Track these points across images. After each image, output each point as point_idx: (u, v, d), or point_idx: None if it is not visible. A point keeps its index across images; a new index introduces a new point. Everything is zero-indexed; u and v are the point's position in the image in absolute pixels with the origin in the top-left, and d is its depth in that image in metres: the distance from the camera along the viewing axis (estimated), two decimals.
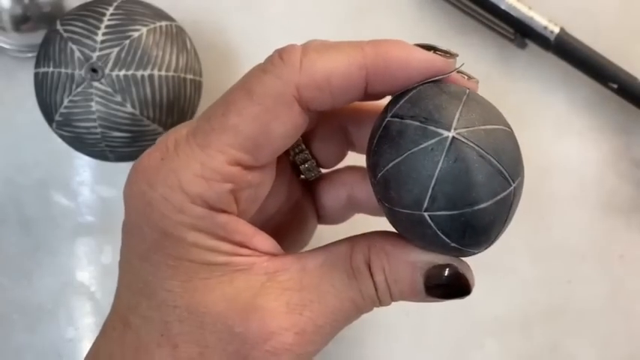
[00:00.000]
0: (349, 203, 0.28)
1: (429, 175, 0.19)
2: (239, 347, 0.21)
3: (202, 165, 0.20)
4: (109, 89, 0.29)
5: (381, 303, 0.22)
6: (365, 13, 0.36)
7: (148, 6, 0.31)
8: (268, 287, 0.21)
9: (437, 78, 0.21)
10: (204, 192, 0.20)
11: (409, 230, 0.21)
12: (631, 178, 0.36)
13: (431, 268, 0.21)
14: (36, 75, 0.30)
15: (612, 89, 0.34)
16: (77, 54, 0.29)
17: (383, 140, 0.21)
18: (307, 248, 0.29)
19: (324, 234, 0.29)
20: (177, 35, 0.31)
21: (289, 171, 0.27)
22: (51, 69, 0.29)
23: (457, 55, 0.22)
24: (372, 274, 0.22)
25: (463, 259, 0.22)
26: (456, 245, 0.20)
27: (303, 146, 0.26)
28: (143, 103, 0.29)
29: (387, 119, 0.21)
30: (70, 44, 0.29)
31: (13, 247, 0.36)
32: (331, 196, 0.28)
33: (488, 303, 0.35)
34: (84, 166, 0.36)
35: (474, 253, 0.21)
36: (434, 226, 0.20)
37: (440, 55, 0.21)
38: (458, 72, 0.22)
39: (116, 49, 0.29)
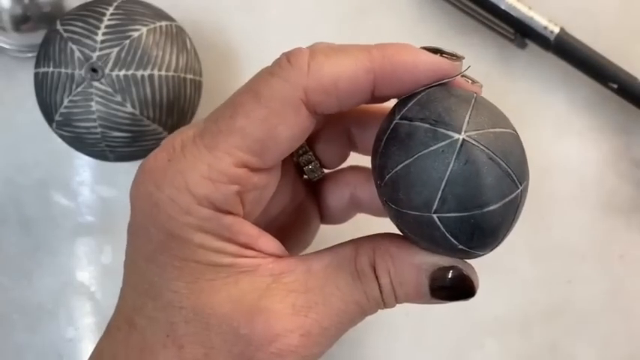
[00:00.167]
0: (352, 203, 0.28)
1: (440, 177, 0.19)
2: (244, 349, 0.21)
3: (209, 166, 0.20)
4: (109, 89, 0.29)
5: (385, 305, 0.22)
6: (365, 13, 0.36)
7: (148, 6, 0.31)
8: (274, 289, 0.21)
9: (443, 81, 0.21)
10: (210, 193, 0.20)
11: (416, 232, 0.21)
12: (631, 178, 0.36)
13: (436, 270, 0.21)
14: (36, 75, 0.30)
15: (612, 89, 0.34)
16: (77, 54, 0.29)
17: (391, 142, 0.21)
18: (308, 249, 0.29)
19: (327, 234, 0.29)
20: (177, 35, 0.31)
21: (293, 172, 0.27)
22: (51, 69, 0.29)
23: (463, 58, 0.22)
24: (377, 277, 0.22)
25: (468, 261, 0.22)
26: (463, 247, 0.20)
27: (307, 148, 0.26)
28: (143, 103, 0.29)
29: (395, 121, 0.21)
30: (70, 44, 0.29)
31: (13, 247, 0.36)
32: (334, 196, 0.28)
33: (488, 303, 0.35)
34: (84, 166, 0.36)
35: (480, 255, 0.21)
36: (442, 228, 0.20)
37: (446, 57, 0.21)
38: (462, 76, 0.22)
39: (116, 49, 0.29)
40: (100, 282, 0.36)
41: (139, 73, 0.29)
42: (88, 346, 0.36)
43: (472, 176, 0.19)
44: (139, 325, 0.21)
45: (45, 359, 0.35)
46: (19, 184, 0.36)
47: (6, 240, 0.36)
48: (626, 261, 0.35)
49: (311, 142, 0.26)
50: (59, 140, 0.31)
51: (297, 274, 0.22)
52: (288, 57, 0.21)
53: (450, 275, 0.21)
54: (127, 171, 0.34)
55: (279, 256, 0.22)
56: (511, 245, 0.36)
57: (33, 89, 0.31)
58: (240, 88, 0.22)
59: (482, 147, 0.19)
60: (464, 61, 0.22)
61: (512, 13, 0.34)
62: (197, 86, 0.32)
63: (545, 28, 0.34)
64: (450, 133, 0.19)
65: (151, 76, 0.29)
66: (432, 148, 0.19)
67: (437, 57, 0.21)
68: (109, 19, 0.29)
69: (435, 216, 0.20)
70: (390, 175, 0.20)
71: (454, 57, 0.21)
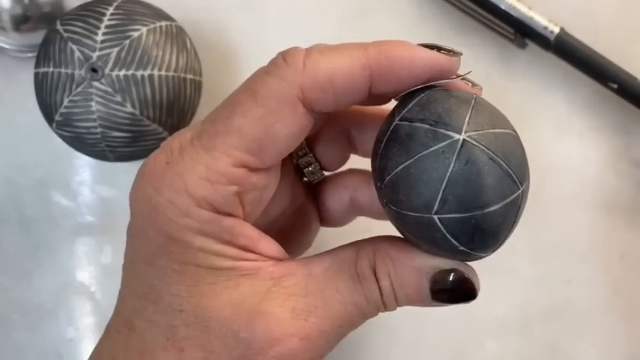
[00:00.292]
0: (352, 206, 0.28)
1: (440, 178, 0.19)
2: (244, 352, 0.21)
3: (207, 168, 0.20)
4: (109, 89, 0.29)
5: (386, 308, 0.22)
6: (365, 13, 0.36)
7: (148, 6, 0.31)
8: (274, 292, 0.21)
9: (443, 82, 0.21)
10: (209, 195, 0.20)
11: (417, 233, 0.21)
12: (631, 178, 0.36)
13: (436, 273, 0.21)
14: (36, 75, 0.30)
15: (612, 89, 0.34)
16: (77, 54, 0.29)
17: (391, 143, 0.21)
18: (308, 251, 0.29)
19: (326, 237, 0.29)
20: (177, 35, 0.31)
21: (293, 174, 0.27)
22: (51, 69, 0.29)
23: (461, 54, 0.22)
24: (377, 280, 0.22)
25: (468, 263, 0.22)
26: (464, 249, 0.20)
27: (307, 149, 0.26)
28: (143, 103, 0.29)
29: (395, 122, 0.21)
30: (70, 44, 0.29)
31: (13, 247, 0.36)
32: (334, 199, 0.28)
33: (488, 303, 0.35)
34: (84, 166, 0.36)
35: (481, 257, 0.21)
36: (443, 229, 0.20)
37: (444, 53, 0.21)
38: (462, 79, 0.22)
39: (116, 49, 0.29)
40: (100, 282, 0.36)
41: (139, 73, 0.29)
42: (88, 346, 0.36)
43: (473, 177, 0.19)
44: (138, 328, 0.21)
45: (45, 359, 0.35)
46: (19, 184, 0.36)
47: (6, 240, 0.36)
48: (626, 261, 0.35)
49: (311, 143, 0.26)
50: (59, 140, 0.31)
51: (297, 277, 0.22)
52: (283, 56, 0.21)
53: (450, 278, 0.21)
54: (126, 171, 0.34)
55: (279, 259, 0.22)
56: (511, 246, 0.36)
57: (33, 89, 0.31)
58: (236, 89, 0.22)
59: (482, 147, 0.19)
60: (464, 63, 0.22)
61: (512, 13, 0.34)
62: (197, 86, 0.32)
63: (545, 28, 0.34)
64: (450, 133, 0.19)
65: (150, 76, 0.29)
66: (432, 149, 0.19)
67: (434, 52, 0.21)
68: (109, 19, 0.29)
69: (435, 217, 0.19)
70: (390, 176, 0.20)
71: (451, 53, 0.21)
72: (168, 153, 0.21)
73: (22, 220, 0.36)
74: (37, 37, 0.32)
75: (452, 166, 0.19)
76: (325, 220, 0.28)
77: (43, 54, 0.30)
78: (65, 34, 0.29)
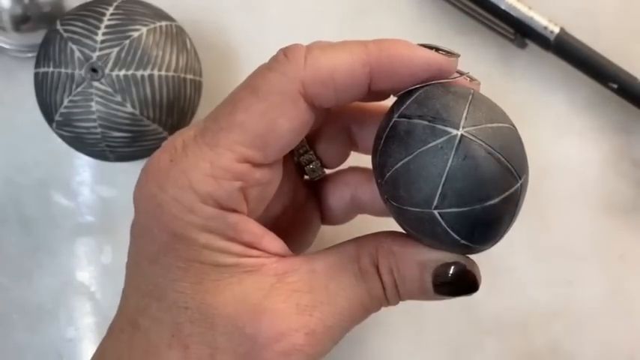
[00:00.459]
0: (353, 204, 0.28)
1: (439, 173, 0.19)
2: (249, 348, 0.21)
3: (211, 164, 0.21)
4: (109, 89, 0.29)
5: (389, 303, 0.23)
6: (365, 13, 0.36)
7: (148, 6, 0.31)
8: (278, 288, 0.21)
9: (442, 81, 0.21)
10: (214, 191, 0.21)
11: (418, 228, 0.21)
12: (631, 178, 0.36)
13: (438, 267, 0.22)
14: (36, 75, 0.30)
15: (612, 89, 0.34)
16: (77, 54, 0.29)
17: (391, 140, 0.21)
18: (309, 249, 0.29)
19: (327, 234, 0.29)
20: (177, 35, 0.31)
21: (294, 172, 0.27)
22: (51, 69, 0.29)
23: (459, 55, 0.22)
24: (379, 275, 0.22)
25: (469, 256, 0.22)
26: (465, 242, 0.20)
27: (308, 147, 0.26)
28: (143, 103, 0.29)
29: (394, 119, 0.21)
30: (70, 44, 0.29)
31: (13, 247, 0.36)
32: (335, 196, 0.28)
33: (488, 303, 0.35)
34: (84, 166, 0.36)
35: (482, 250, 0.21)
36: (444, 224, 0.20)
37: (442, 54, 0.21)
38: (462, 75, 0.22)
39: (116, 49, 0.29)
40: (100, 282, 0.36)
41: (139, 73, 0.29)
42: (88, 346, 0.36)
43: (471, 171, 0.19)
44: (142, 326, 0.21)
45: (45, 359, 0.35)
46: (19, 184, 0.36)
47: (6, 240, 0.36)
48: (626, 261, 0.35)
49: (311, 141, 0.26)
50: (59, 140, 0.31)
51: (301, 273, 0.22)
52: (285, 52, 0.21)
53: (452, 271, 0.21)
54: (127, 171, 0.34)
55: (282, 256, 0.22)
56: (511, 245, 0.36)
57: (33, 89, 0.31)
58: (238, 86, 0.22)
59: (480, 142, 0.19)
60: (464, 63, 0.22)
61: (512, 13, 0.34)
62: (197, 86, 0.32)
63: (545, 28, 0.34)
64: (448, 129, 0.20)
65: (150, 76, 0.29)
66: (430, 145, 0.20)
67: (432, 52, 0.21)
68: (109, 19, 0.29)
69: (435, 212, 0.20)
70: (390, 172, 0.21)
71: (450, 54, 0.22)
72: (171, 151, 0.21)
73: (22, 220, 0.36)
74: (37, 37, 0.32)
75: (450, 161, 0.19)
76: (326, 218, 0.28)
77: (43, 54, 0.30)
78: (65, 34, 0.29)
